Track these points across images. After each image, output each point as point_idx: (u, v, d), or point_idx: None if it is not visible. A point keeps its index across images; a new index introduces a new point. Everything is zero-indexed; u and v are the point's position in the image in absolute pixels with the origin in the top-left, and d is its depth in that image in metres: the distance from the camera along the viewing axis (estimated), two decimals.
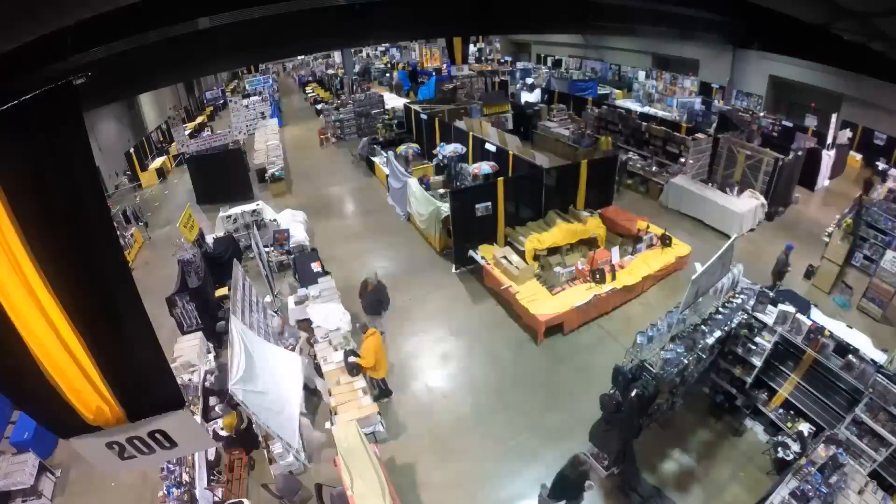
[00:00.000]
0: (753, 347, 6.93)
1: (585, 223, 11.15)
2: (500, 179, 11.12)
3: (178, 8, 9.46)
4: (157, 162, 21.11)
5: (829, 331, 6.26)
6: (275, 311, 9.26)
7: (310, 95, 33.08)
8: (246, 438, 6.96)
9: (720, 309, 6.90)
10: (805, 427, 6.32)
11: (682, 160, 14.05)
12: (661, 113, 19.53)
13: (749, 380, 7.00)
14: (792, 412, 6.74)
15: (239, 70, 38.36)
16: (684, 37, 17.88)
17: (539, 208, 11.70)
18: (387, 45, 38.63)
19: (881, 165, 14.16)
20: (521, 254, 10.51)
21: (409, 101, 23.93)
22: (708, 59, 20.77)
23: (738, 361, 7.16)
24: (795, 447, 6.15)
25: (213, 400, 7.61)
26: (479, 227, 10.91)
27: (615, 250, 10.17)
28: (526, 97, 23.60)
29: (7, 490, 6.56)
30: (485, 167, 12.83)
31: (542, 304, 9.06)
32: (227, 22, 10.16)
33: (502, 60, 34.07)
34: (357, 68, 33.83)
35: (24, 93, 2.08)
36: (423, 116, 17.88)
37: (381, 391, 7.83)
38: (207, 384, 7.73)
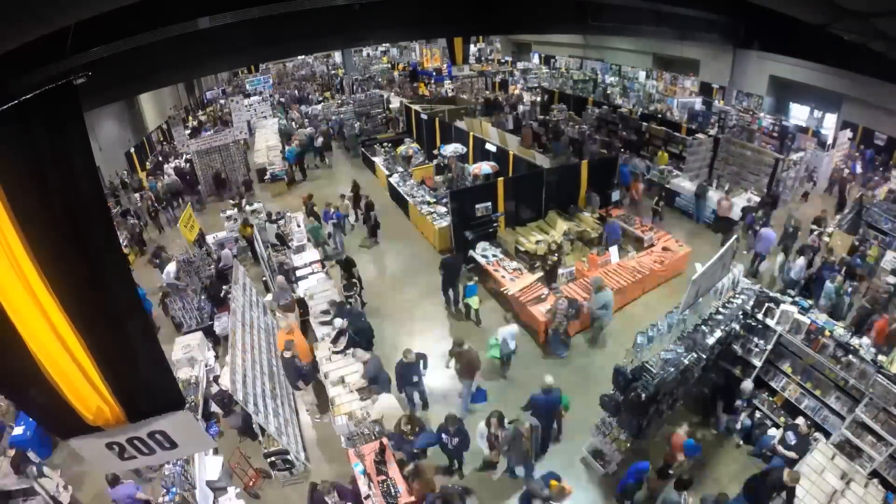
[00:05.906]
0: (753, 348, 6.93)
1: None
2: (500, 179, 11.10)
3: (178, 8, 9.48)
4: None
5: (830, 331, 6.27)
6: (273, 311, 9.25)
7: None
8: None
9: (720, 309, 6.90)
10: (800, 421, 6.30)
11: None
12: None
13: (749, 380, 6.98)
14: (792, 412, 6.73)
15: (238, 70, 38.23)
16: (684, 37, 17.87)
17: (540, 209, 11.69)
18: (387, 45, 38.50)
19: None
20: (522, 254, 10.49)
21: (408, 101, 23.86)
22: (708, 59, 20.77)
23: (739, 361, 7.16)
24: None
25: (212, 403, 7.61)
26: (479, 227, 10.90)
27: (614, 250, 10.16)
28: None
29: (7, 490, 6.55)
30: (485, 167, 12.82)
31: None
32: (228, 22, 10.17)
33: (502, 60, 34.05)
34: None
35: (25, 92, 2.08)
36: (424, 116, 17.89)
37: None
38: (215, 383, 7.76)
